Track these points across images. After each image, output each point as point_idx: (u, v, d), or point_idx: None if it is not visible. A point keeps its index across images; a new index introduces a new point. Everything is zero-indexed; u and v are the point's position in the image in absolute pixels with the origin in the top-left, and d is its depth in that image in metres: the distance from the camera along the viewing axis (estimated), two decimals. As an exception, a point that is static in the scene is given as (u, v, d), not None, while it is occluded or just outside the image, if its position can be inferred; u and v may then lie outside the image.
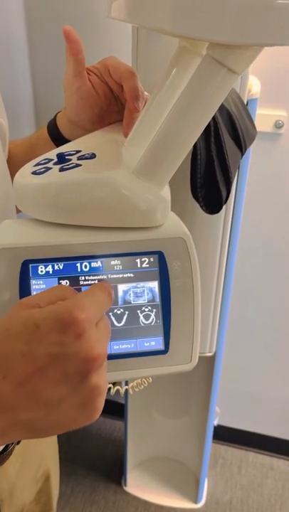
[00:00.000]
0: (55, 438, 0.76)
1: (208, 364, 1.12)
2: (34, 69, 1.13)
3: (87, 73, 0.51)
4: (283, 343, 1.34)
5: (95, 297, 0.33)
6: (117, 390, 0.50)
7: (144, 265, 0.40)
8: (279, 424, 1.48)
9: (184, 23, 0.33)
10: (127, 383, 0.49)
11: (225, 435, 1.52)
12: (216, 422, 1.44)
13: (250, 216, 1.14)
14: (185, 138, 0.38)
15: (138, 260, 0.40)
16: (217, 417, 1.46)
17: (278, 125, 1.05)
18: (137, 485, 1.40)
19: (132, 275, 0.40)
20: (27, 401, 0.29)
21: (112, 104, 0.53)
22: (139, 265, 0.40)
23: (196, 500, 1.36)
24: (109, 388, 0.49)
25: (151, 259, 0.40)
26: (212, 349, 1.06)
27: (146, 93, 0.51)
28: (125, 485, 1.40)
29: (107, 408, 1.64)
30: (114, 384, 0.50)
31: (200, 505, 1.36)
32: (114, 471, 1.45)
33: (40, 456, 0.66)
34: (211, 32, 0.33)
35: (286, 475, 1.45)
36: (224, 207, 0.90)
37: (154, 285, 0.40)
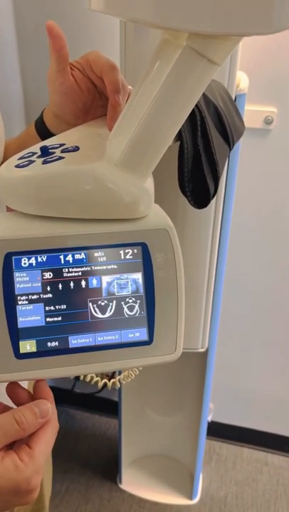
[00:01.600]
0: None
1: (201, 360, 1.12)
2: (24, 67, 1.13)
3: (71, 68, 0.51)
4: (276, 338, 1.35)
5: (49, 444, 0.39)
6: (104, 384, 0.50)
7: (127, 257, 0.40)
8: (273, 420, 1.48)
9: (163, 13, 0.33)
10: (113, 376, 0.49)
11: (219, 431, 1.52)
12: (210, 418, 1.45)
13: (240, 211, 1.14)
14: (166, 129, 0.38)
15: (122, 252, 0.40)
16: (211, 413, 1.46)
17: (268, 121, 1.06)
18: (132, 482, 1.40)
19: (115, 267, 0.40)
20: None
21: (96, 98, 0.53)
22: (122, 257, 0.40)
23: (191, 497, 1.36)
24: (97, 382, 0.49)
25: (135, 251, 0.40)
26: (204, 345, 1.07)
27: (129, 87, 0.51)
28: (120, 482, 1.40)
29: (102, 406, 1.64)
30: (101, 378, 0.50)
31: (195, 501, 1.36)
32: (109, 468, 1.45)
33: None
34: (190, 22, 0.33)
35: (280, 470, 1.46)
36: (214, 202, 0.90)
37: (138, 276, 0.40)
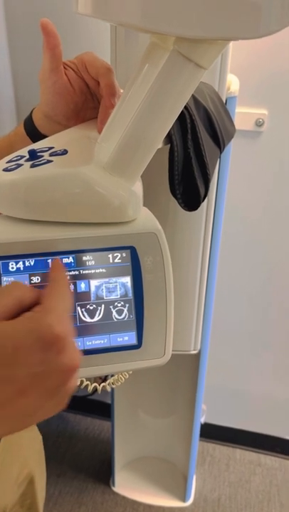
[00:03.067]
0: (40, 442, 0.76)
1: (193, 362, 1.12)
2: (15, 68, 1.12)
3: (64, 68, 0.51)
4: (269, 340, 1.35)
5: (63, 297, 0.32)
6: (95, 388, 0.50)
7: (116, 260, 0.40)
8: (266, 421, 1.48)
9: (151, 17, 0.33)
10: (104, 380, 0.49)
11: (212, 433, 1.52)
12: (202, 420, 1.45)
13: (232, 213, 1.15)
14: (155, 133, 0.38)
15: (110, 255, 0.40)
16: (204, 415, 1.46)
17: (259, 123, 1.06)
18: (126, 485, 1.39)
19: (104, 270, 0.40)
20: (7, 419, 0.29)
21: (88, 100, 0.53)
22: (111, 260, 0.40)
23: (184, 499, 1.36)
24: (87, 386, 0.49)
25: (124, 255, 0.40)
26: (197, 347, 1.07)
27: (121, 90, 0.51)
28: (113, 485, 1.39)
29: (95, 409, 1.63)
30: (94, 381, 0.50)
31: (188, 503, 1.36)
32: (102, 471, 1.44)
33: (22, 460, 0.66)
34: (176, 26, 0.33)
35: (273, 471, 1.46)
36: (206, 204, 0.90)
37: (127, 280, 0.40)
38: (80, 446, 1.52)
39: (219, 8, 0.32)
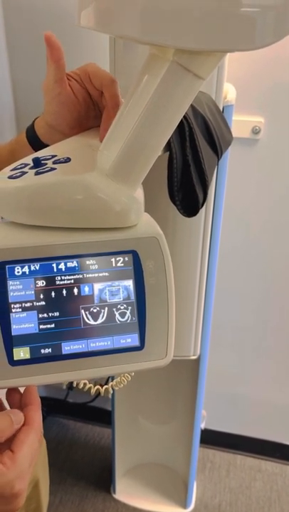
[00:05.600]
0: (44, 447, 0.76)
1: (193, 367, 1.13)
2: (14, 76, 1.14)
3: (68, 79, 0.52)
4: (268, 344, 1.36)
5: (31, 446, 0.38)
6: (97, 390, 0.51)
7: (118, 264, 0.41)
8: (266, 426, 1.49)
9: (151, 30, 0.35)
10: (106, 383, 0.50)
11: (212, 439, 1.52)
12: (203, 426, 1.45)
13: (230, 218, 1.16)
14: (155, 141, 0.40)
15: (113, 259, 0.41)
16: (204, 421, 1.46)
17: (255, 131, 1.08)
18: (126, 492, 1.39)
19: (107, 274, 0.41)
20: None
21: (90, 109, 0.55)
22: (114, 264, 0.41)
23: (185, 505, 1.36)
24: (90, 388, 0.50)
25: (126, 259, 0.41)
26: (196, 352, 1.07)
27: (122, 100, 0.52)
28: (114, 492, 1.39)
29: (95, 416, 1.63)
30: (94, 384, 0.51)
31: (189, 510, 1.36)
32: (102, 478, 1.44)
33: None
34: (176, 38, 0.34)
35: (274, 477, 1.46)
36: (204, 210, 0.92)
37: (129, 283, 0.41)
38: (80, 453, 1.52)
39: (216, 22, 0.33)
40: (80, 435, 1.58)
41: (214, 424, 1.51)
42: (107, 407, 1.55)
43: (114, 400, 1.22)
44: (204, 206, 0.90)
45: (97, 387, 0.51)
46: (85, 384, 0.49)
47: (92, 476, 1.45)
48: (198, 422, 1.22)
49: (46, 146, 0.53)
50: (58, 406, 1.60)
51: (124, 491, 1.39)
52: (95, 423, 1.61)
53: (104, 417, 1.56)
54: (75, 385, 0.47)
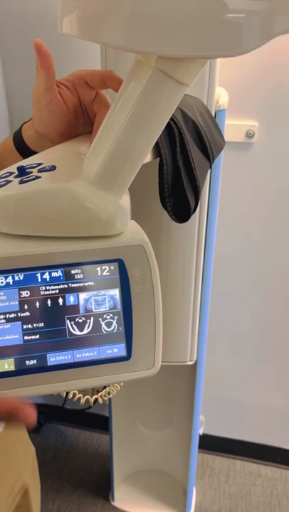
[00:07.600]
0: (33, 454, 0.75)
1: (190, 373, 1.12)
2: (8, 84, 1.14)
3: (57, 86, 0.52)
4: (267, 349, 1.35)
5: None
6: (87, 400, 0.50)
7: (104, 273, 0.40)
8: (265, 431, 1.48)
9: (133, 38, 0.34)
10: (99, 391, 0.49)
11: (211, 444, 1.51)
12: (201, 432, 1.44)
13: (225, 222, 1.16)
14: (139, 148, 0.39)
15: (98, 268, 0.40)
16: (202, 427, 1.45)
17: (249, 134, 1.08)
18: (125, 499, 1.38)
19: (92, 283, 0.40)
20: None
21: (80, 117, 0.54)
22: (99, 273, 0.40)
23: (184, 512, 1.34)
24: (79, 398, 0.49)
25: (112, 267, 0.40)
26: (193, 357, 1.07)
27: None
28: (113, 500, 1.38)
29: (93, 422, 1.62)
30: (83, 394, 0.50)
31: (189, 516, 1.35)
32: (101, 485, 1.43)
33: (16, 472, 0.66)
34: (157, 46, 0.34)
35: (274, 482, 1.45)
36: (198, 215, 0.91)
37: (115, 292, 0.40)
38: (78, 460, 1.51)
39: (198, 28, 0.33)
40: (78, 442, 1.57)
41: (214, 429, 1.50)
42: (105, 413, 1.54)
43: (112, 407, 1.21)
44: (198, 211, 0.90)
45: (87, 397, 0.50)
46: (74, 394, 0.48)
47: (90, 483, 1.44)
48: (196, 428, 1.21)
49: (35, 152, 0.53)
50: (56, 413, 1.59)
51: (122, 499, 1.38)
52: (93, 429, 1.60)
53: (103, 424, 1.55)
54: (64, 395, 0.46)
